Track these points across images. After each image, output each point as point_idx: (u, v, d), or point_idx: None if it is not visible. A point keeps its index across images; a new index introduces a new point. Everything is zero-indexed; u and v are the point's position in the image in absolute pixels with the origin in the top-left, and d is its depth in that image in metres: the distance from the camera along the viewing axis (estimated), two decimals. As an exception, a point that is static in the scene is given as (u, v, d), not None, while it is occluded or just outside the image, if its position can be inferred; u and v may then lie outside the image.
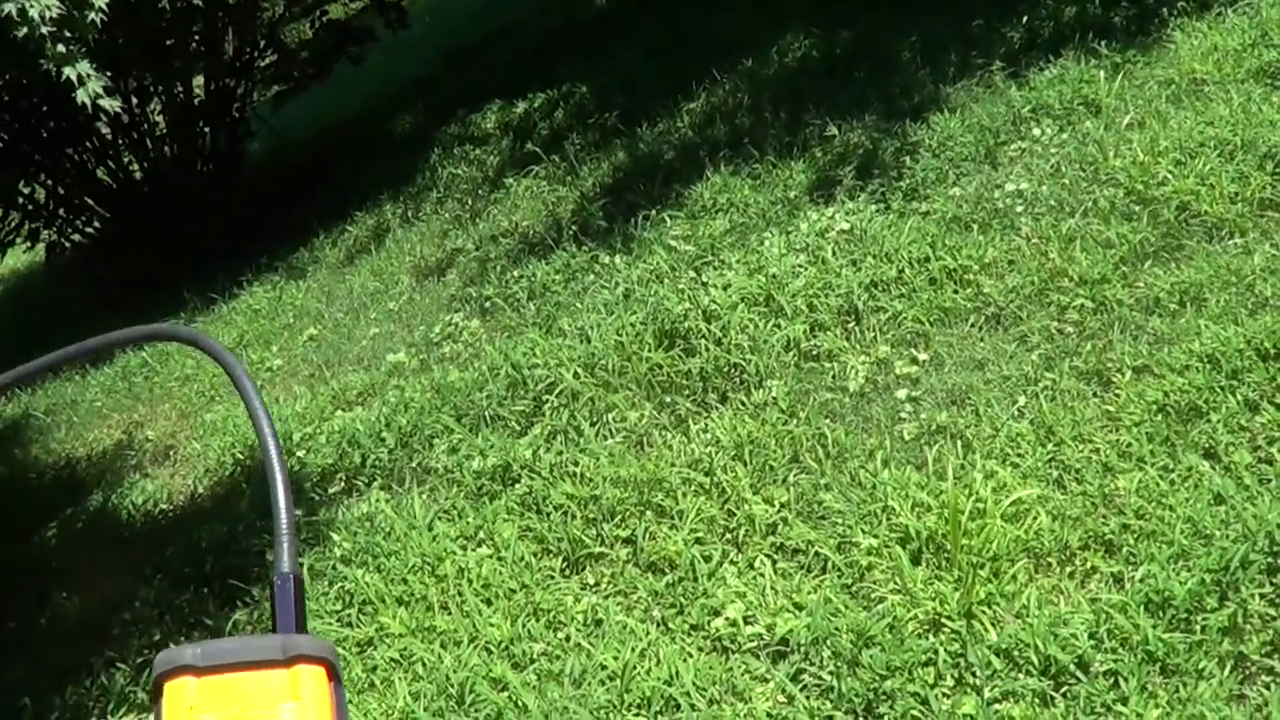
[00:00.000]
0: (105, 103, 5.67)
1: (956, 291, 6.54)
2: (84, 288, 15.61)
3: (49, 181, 14.91)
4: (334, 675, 1.06)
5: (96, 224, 15.41)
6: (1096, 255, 6.30)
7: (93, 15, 5.51)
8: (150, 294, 13.26)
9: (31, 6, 5.28)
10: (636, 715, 4.90)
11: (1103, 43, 8.13)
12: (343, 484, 7.47)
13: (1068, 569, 4.80)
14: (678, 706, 4.84)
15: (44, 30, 5.37)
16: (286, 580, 1.14)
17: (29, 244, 15.95)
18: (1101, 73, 7.81)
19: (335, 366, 9.35)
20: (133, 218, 14.91)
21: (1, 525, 9.21)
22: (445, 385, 7.79)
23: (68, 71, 5.59)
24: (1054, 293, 6.21)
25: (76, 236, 15.62)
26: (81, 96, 5.63)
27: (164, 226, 14.33)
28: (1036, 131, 7.60)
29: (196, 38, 14.48)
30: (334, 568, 6.53)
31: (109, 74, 13.30)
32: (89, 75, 5.63)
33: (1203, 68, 7.50)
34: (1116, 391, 5.46)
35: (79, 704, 6.57)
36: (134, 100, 14.51)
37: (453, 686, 5.40)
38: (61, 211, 15.26)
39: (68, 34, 5.62)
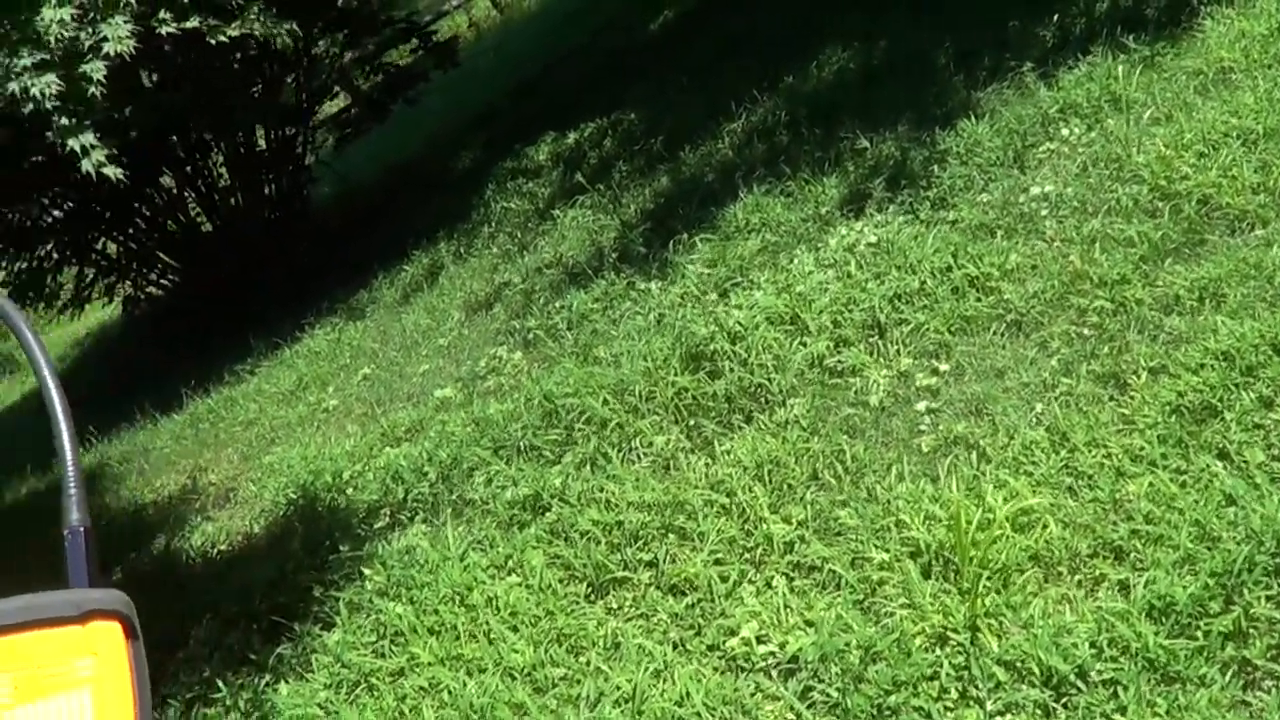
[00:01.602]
0: (109, 171, 5.77)
1: (979, 299, 6.47)
2: (160, 338, 15.83)
3: (120, 237, 15.13)
4: (130, 631, 1.02)
5: (169, 276, 15.62)
6: (1117, 255, 6.21)
7: (92, 89, 5.60)
8: (222, 341, 13.41)
9: (33, 85, 5.38)
10: (646, 738, 4.87)
11: (1132, 36, 8.01)
12: (387, 519, 7.50)
13: (1076, 577, 4.72)
14: (687, 729, 4.80)
15: (48, 105, 5.47)
16: (76, 533, 1.11)
17: (106, 299, 16.21)
18: (1128, 67, 7.69)
19: (387, 404, 9.40)
20: (202, 268, 15.10)
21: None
22: (485, 418, 7.81)
23: (71, 143, 5.70)
24: (1075, 296, 6.12)
25: (150, 289, 15.84)
26: (86, 166, 5.75)
27: (232, 275, 14.49)
28: (1065, 132, 7.51)
29: (256, 89, 14.64)
30: (370, 601, 6.55)
31: (172, 134, 13.60)
32: (93, 145, 5.73)
33: (1230, 56, 7.39)
34: (1132, 394, 5.37)
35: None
36: (196, 154, 14.72)
37: (475, 713, 5.40)
38: (134, 265, 15.49)
39: (72, 107, 5.72)
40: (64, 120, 5.60)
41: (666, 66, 13.20)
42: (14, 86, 5.34)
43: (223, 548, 8.65)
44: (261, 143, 15.42)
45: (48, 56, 5.39)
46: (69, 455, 1.09)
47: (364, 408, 9.60)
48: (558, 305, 8.99)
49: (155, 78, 13.29)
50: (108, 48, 5.53)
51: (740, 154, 9.85)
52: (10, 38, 5.35)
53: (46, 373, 1.16)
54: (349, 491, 8.08)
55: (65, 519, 1.09)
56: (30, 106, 5.40)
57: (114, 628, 0.98)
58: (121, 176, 5.93)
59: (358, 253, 13.53)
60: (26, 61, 5.34)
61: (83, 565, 1.08)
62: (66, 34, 5.40)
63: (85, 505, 1.10)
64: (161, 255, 15.51)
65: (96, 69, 5.54)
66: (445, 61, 15.79)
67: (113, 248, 15.52)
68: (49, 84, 5.38)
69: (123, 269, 15.60)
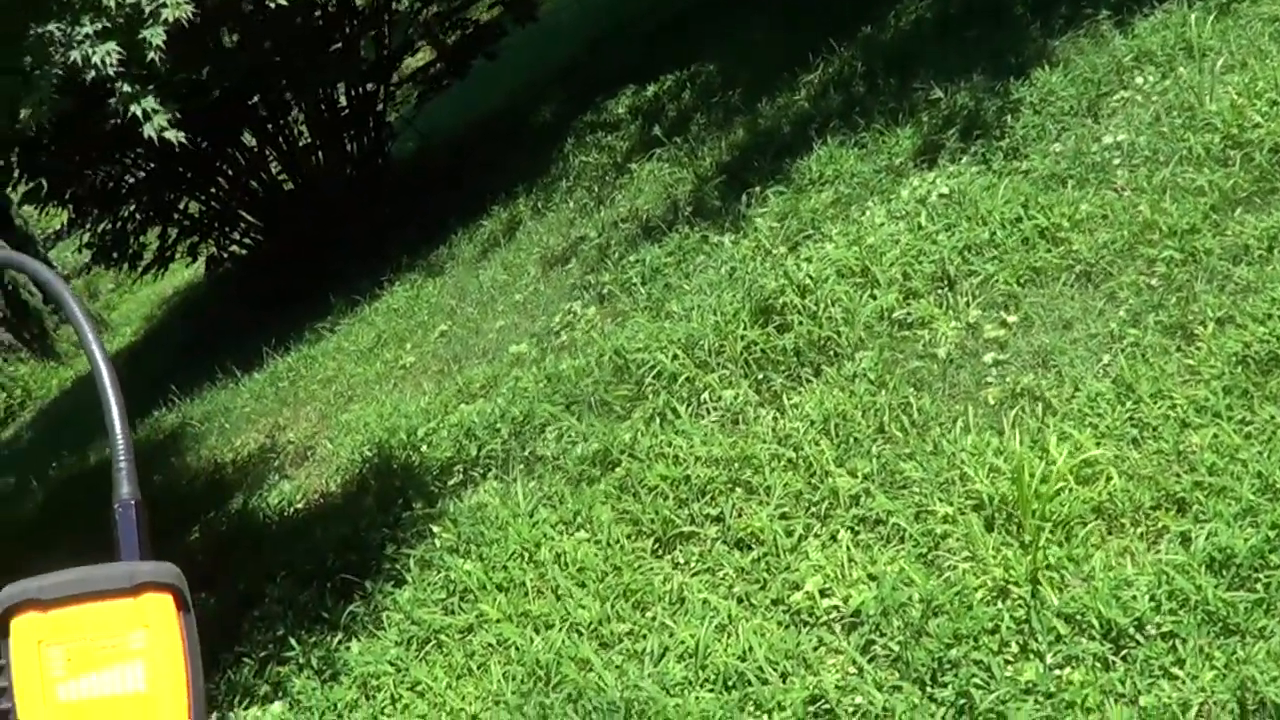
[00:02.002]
0: (171, 135, 5.80)
1: (1048, 250, 6.41)
2: (242, 297, 15.95)
3: (202, 197, 15.26)
4: (182, 603, 1.05)
5: (251, 235, 15.74)
6: (1187, 205, 6.13)
7: (152, 55, 5.64)
8: (302, 298, 13.49)
9: (94, 53, 5.43)
10: (709, 690, 4.89)
11: (1211, -19, 7.90)
12: (460, 476, 7.54)
13: (1138, 530, 4.70)
14: (749, 682, 4.81)
15: (109, 72, 5.52)
16: (128, 506, 1.13)
17: (190, 259, 16.35)
18: (1203, 14, 7.57)
19: (462, 361, 9.43)
20: (284, 227, 15.20)
21: (154, 531, 9.44)
22: (557, 374, 7.83)
23: (134, 108, 5.74)
24: (1143, 246, 6.06)
25: (233, 248, 15.97)
26: (148, 130, 5.78)
27: (313, 233, 14.57)
28: (1139, 80, 7.40)
29: (337, 47, 14.68)
30: (441, 558, 6.61)
31: (254, 94, 13.68)
32: (154, 110, 5.77)
33: (1307, 3, 7.28)
34: (1198, 345, 5.32)
35: (208, 698, 6.73)
36: (277, 113, 14.80)
37: (541, 669, 5.45)
38: (217, 225, 15.61)
39: (134, 73, 5.77)
40: (126, 86, 5.65)
41: (746, 18, 13.12)
42: (75, 55, 5.39)
43: (299, 506, 8.74)
44: (342, 100, 15.46)
45: (108, 24, 5.43)
46: (118, 428, 1.11)
47: (440, 364, 9.64)
48: (632, 259, 8.97)
49: (235, 38, 13.38)
50: (166, 13, 5.55)
51: (816, 105, 9.78)
52: (71, 6, 5.40)
53: (94, 346, 1.17)
54: (423, 449, 8.14)
55: (115, 493, 1.11)
56: (92, 74, 5.45)
57: (166, 600, 1.00)
58: (184, 140, 5.96)
59: (437, 209, 13.54)
60: (88, 29, 5.39)
61: (134, 538, 1.10)
62: (127, 0, 5.45)
63: (135, 478, 1.12)
64: (243, 214, 15.62)
65: (156, 34, 5.57)
66: (524, 16, 15.75)
67: (195, 207, 15.64)
68: (110, 51, 5.42)
69: (205, 228, 15.73)
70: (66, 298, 1.25)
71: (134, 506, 1.14)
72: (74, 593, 1.02)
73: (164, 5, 5.55)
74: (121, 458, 1.11)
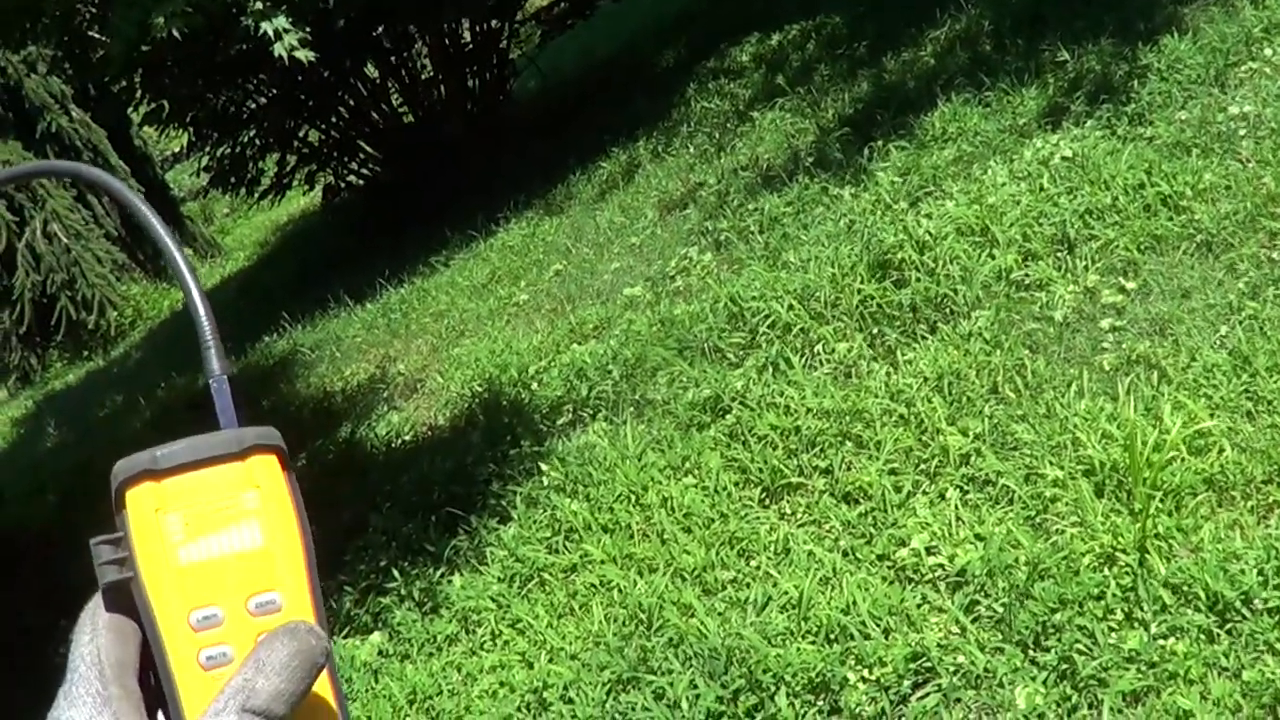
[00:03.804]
0: (301, 54, 5.88)
1: (1170, 218, 6.38)
2: (357, 227, 16.09)
3: (322, 125, 15.39)
4: (285, 463, 1.10)
5: (370, 166, 15.86)
6: (1313, 179, 6.09)
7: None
8: (418, 232, 13.62)
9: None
10: (811, 643, 4.93)
11: (1350, -47, 7.81)
12: (569, 415, 7.61)
13: (1249, 503, 4.68)
14: (852, 636, 4.85)
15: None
16: (221, 381, 1.17)
17: (307, 187, 16.50)
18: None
19: (576, 300, 9.50)
20: (403, 159, 15.30)
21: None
22: (671, 318, 7.88)
23: (265, 26, 5.82)
24: (1266, 219, 6.02)
25: (351, 178, 16.09)
26: (279, 49, 5.86)
27: (432, 167, 14.67)
28: (1268, 52, 7.34)
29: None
30: (547, 497, 6.69)
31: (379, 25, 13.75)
32: (286, 29, 5.84)
33: None
34: (1318, 319, 5.29)
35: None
36: (400, 45, 14.88)
37: (643, 612, 5.51)
38: (336, 154, 15.74)
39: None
40: (258, 4, 5.72)
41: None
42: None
43: (406, 438, 8.84)
44: (466, 36, 15.54)
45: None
46: (201, 310, 1.16)
47: (553, 304, 9.71)
48: (750, 208, 9.01)
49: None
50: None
51: (941, 62, 9.76)
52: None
53: (163, 232, 1.22)
54: (533, 387, 8.22)
55: (208, 369, 1.15)
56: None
57: (272, 460, 1.05)
58: (313, 59, 6.03)
59: (557, 148, 13.60)
60: (221, -54, 5.47)
61: (230, 409, 1.15)
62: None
63: (224, 354, 1.17)
64: (363, 145, 15.76)
65: (292, -51, 5.66)
66: (652, -42, 15.80)
67: (315, 136, 15.80)
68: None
69: (324, 157, 15.89)
70: (117, 187, 1.29)
71: (226, 380, 1.18)
72: (185, 460, 1.05)
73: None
74: (209, 336, 1.16)
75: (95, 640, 0.96)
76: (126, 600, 0.99)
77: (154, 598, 0.97)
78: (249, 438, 1.05)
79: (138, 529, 1.00)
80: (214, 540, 1.00)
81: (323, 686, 0.99)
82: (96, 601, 1.00)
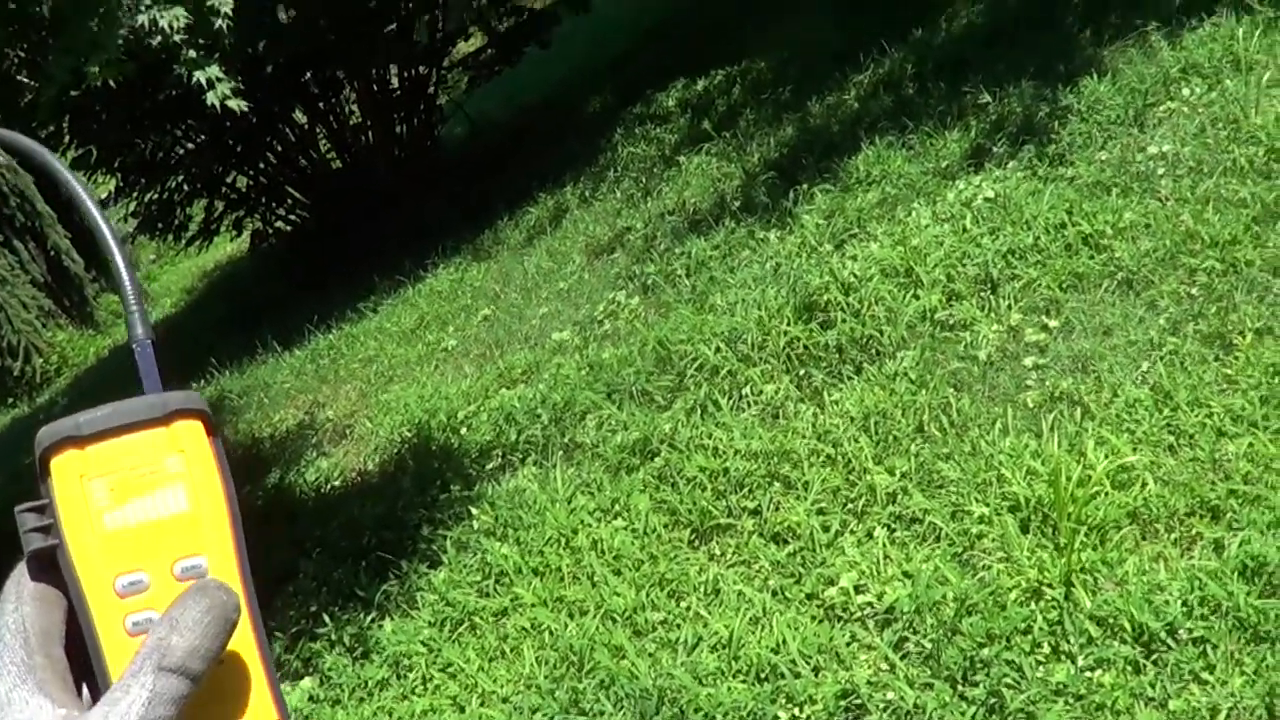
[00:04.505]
0: (234, 104, 5.88)
1: (1091, 257, 6.46)
2: (285, 273, 16.06)
3: (250, 171, 15.38)
4: (211, 428, 1.09)
5: (297, 212, 15.86)
6: (1229, 216, 6.17)
7: (219, 22, 5.72)
8: (346, 278, 13.59)
9: (161, 17, 5.51)
10: (742, 682, 4.95)
11: (1259, -2, 7.93)
12: (498, 460, 7.62)
13: (1172, 535, 4.74)
14: (782, 674, 4.87)
15: (176, 38, 5.59)
16: (145, 345, 1.16)
17: (235, 233, 16.47)
18: (1251, 28, 7.59)
19: (504, 345, 9.50)
20: (330, 205, 15.31)
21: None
22: (599, 362, 7.91)
23: (198, 75, 5.82)
24: (1185, 255, 6.10)
25: (278, 224, 16.09)
26: (211, 98, 5.86)
27: (359, 213, 14.68)
28: (1186, 92, 7.44)
29: (391, 28, 14.79)
30: (477, 540, 6.70)
31: (309, 71, 13.75)
32: (219, 78, 5.85)
33: (1355, 19, 7.30)
34: (1236, 354, 5.36)
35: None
36: (329, 91, 14.91)
37: (574, 654, 5.52)
38: (263, 200, 15.73)
39: (199, 40, 5.85)
40: (191, 53, 5.73)
41: (796, 16, 13.16)
42: (143, 18, 5.47)
43: (336, 484, 8.83)
44: (394, 81, 15.58)
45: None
46: (125, 276, 1.16)
47: (482, 348, 9.72)
48: (677, 252, 9.04)
49: (292, 13, 13.49)
50: (234, -20, 5.65)
51: (865, 106, 9.84)
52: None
53: (89, 202, 1.22)
54: (462, 431, 8.23)
55: (131, 334, 1.15)
56: (158, 39, 5.53)
57: (197, 425, 1.05)
58: (246, 108, 6.04)
59: (485, 193, 13.62)
60: (156, -7, 5.48)
61: (155, 373, 1.14)
62: (197, -34, 5.54)
63: (147, 320, 1.17)
64: (290, 190, 15.76)
65: (224, 1, 5.66)
66: (579, 5, 15.84)
67: (242, 181, 15.79)
68: (177, 16, 5.51)
69: (251, 203, 15.88)
70: (46, 156, 1.28)
71: (150, 344, 1.18)
72: (109, 426, 1.05)
73: (231, -27, 5.65)
74: (132, 302, 1.16)
75: (20, 609, 0.96)
76: (52, 568, 1.00)
77: (79, 564, 0.98)
78: (173, 402, 1.05)
79: (62, 495, 1.00)
80: (139, 505, 1.00)
81: (246, 645, 1.00)
82: (21, 570, 1.00)
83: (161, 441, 1.04)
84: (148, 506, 1.01)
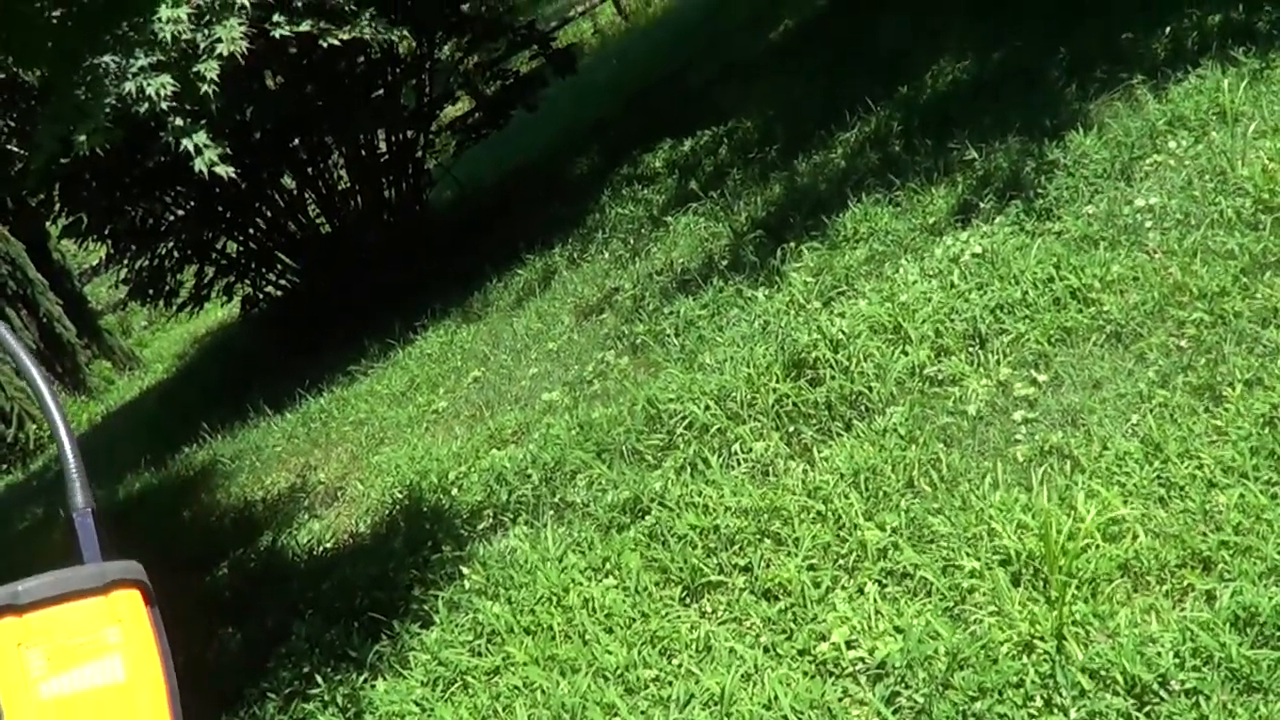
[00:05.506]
0: (221, 170, 5.88)
1: (1079, 311, 6.46)
2: (276, 338, 16.09)
3: (240, 237, 15.42)
4: (149, 598, 1.08)
5: (288, 277, 15.88)
6: (1217, 268, 6.18)
7: (206, 89, 5.74)
8: (337, 341, 13.62)
9: (149, 85, 5.52)
10: (733, 740, 4.93)
11: (1242, 49, 7.94)
12: (489, 520, 7.61)
13: (1164, 587, 4.72)
14: (774, 731, 4.85)
15: (163, 105, 5.60)
16: (85, 515, 1.16)
17: (225, 298, 16.50)
18: (1236, 80, 7.64)
19: (495, 407, 9.52)
20: (320, 270, 15.34)
21: (182, 565, 9.50)
22: (589, 422, 7.91)
23: (185, 142, 5.82)
24: (1173, 308, 6.11)
25: (269, 289, 16.11)
26: (199, 165, 5.86)
27: (349, 277, 14.71)
28: (1172, 144, 7.48)
29: (378, 93, 14.87)
30: (469, 600, 6.67)
31: (296, 137, 13.82)
32: (206, 145, 5.86)
33: (1340, 71, 7.34)
34: (1226, 405, 5.36)
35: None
36: (317, 156, 14.96)
37: (567, 713, 5.49)
38: (254, 265, 15.77)
39: (186, 107, 5.86)
40: (178, 120, 5.74)
41: (784, 75, 13.24)
42: (130, 86, 5.48)
43: (328, 545, 8.83)
44: (382, 146, 15.65)
45: (163, 57, 5.53)
46: (66, 444, 1.16)
47: (472, 410, 9.73)
48: (666, 311, 9.06)
49: (279, 79, 13.56)
50: (221, 48, 5.65)
51: (852, 163, 9.89)
52: (127, 39, 5.49)
53: (32, 369, 1.22)
54: (453, 492, 8.23)
55: (71, 503, 1.15)
56: (145, 106, 5.54)
57: (135, 595, 1.05)
58: (233, 175, 6.04)
59: (474, 256, 13.68)
60: (143, 62, 5.48)
61: (94, 543, 1.14)
62: (182, 35, 5.54)
63: (88, 488, 1.16)
64: (280, 256, 15.80)
65: (210, 68, 5.67)
66: (564, 68, 15.93)
67: (233, 247, 15.85)
68: (164, 84, 5.51)
69: (242, 268, 15.92)
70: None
71: (91, 513, 1.18)
72: (48, 595, 1.05)
73: (218, 40, 5.65)
74: (73, 470, 1.15)
75: None
76: None
77: None
78: (111, 572, 1.05)
79: (0, 664, 0.99)
80: (76, 675, 0.99)
81: None
82: None
83: (100, 612, 1.03)
84: (85, 676, 1.00)
